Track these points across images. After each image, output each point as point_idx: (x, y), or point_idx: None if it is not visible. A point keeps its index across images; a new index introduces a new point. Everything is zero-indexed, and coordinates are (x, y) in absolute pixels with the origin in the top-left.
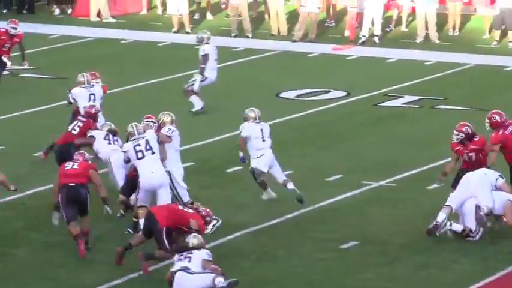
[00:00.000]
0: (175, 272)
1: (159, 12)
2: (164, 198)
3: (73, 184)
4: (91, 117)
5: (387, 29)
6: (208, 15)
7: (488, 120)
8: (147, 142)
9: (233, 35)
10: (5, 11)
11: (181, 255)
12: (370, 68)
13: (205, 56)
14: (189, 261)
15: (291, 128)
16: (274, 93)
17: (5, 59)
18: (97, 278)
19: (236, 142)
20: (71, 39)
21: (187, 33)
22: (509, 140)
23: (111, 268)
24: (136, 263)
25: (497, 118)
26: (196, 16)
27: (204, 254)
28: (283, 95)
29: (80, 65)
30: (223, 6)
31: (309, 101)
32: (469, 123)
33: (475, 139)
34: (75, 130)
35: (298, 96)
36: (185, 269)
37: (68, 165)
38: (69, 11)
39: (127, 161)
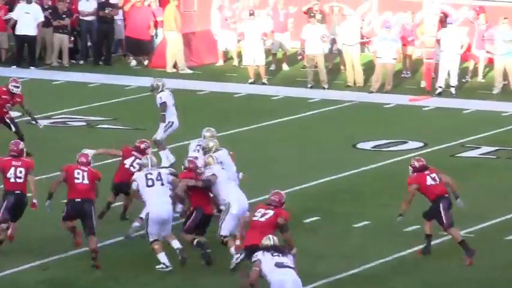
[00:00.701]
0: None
1: (235, 63)
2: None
3: (79, 200)
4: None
5: (464, 80)
6: (285, 66)
7: None
8: (159, 174)
9: (309, 86)
10: (81, 62)
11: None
12: (446, 118)
13: (164, 104)
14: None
15: (367, 178)
16: (350, 144)
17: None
18: None
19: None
20: (147, 90)
21: (264, 84)
22: None
23: None
24: None
25: None
26: (272, 67)
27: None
28: (360, 145)
29: (157, 115)
30: (300, 57)
31: (386, 152)
32: None
33: None
34: (133, 167)
35: (374, 147)
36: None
37: (79, 176)
38: (146, 62)
39: (135, 190)
